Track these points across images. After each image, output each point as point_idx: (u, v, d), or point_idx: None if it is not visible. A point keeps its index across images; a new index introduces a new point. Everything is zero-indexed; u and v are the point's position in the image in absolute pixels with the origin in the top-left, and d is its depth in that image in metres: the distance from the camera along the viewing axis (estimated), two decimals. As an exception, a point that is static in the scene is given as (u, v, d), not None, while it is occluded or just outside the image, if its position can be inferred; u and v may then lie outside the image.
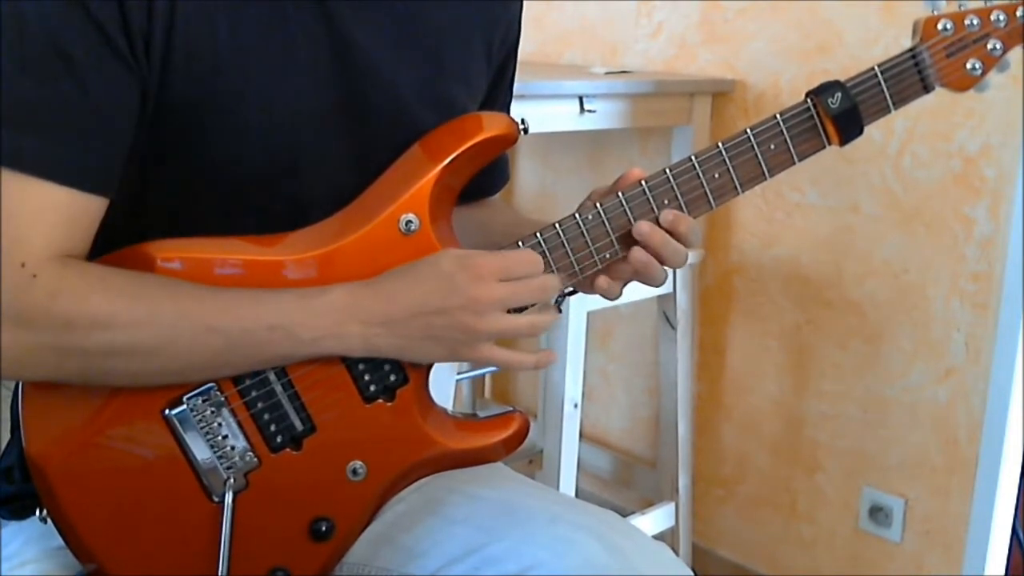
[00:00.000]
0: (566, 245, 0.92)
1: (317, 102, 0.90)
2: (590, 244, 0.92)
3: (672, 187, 0.92)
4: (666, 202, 0.92)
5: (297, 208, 0.91)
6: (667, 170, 0.92)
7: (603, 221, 0.92)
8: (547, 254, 0.92)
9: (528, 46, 2.37)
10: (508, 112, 1.11)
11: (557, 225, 0.92)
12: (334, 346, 0.87)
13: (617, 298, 0.97)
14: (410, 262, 0.88)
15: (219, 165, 0.88)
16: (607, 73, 2.05)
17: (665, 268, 0.95)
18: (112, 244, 0.87)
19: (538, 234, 0.91)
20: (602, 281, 0.94)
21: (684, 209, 0.93)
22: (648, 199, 0.92)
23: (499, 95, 1.08)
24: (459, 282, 0.86)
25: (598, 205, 0.92)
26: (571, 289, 0.96)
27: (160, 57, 0.83)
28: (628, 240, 0.93)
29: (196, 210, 0.90)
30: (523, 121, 0.93)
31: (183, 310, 0.83)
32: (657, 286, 0.96)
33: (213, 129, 0.86)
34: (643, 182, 0.92)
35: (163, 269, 0.86)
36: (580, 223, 0.92)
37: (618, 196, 0.92)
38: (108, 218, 0.91)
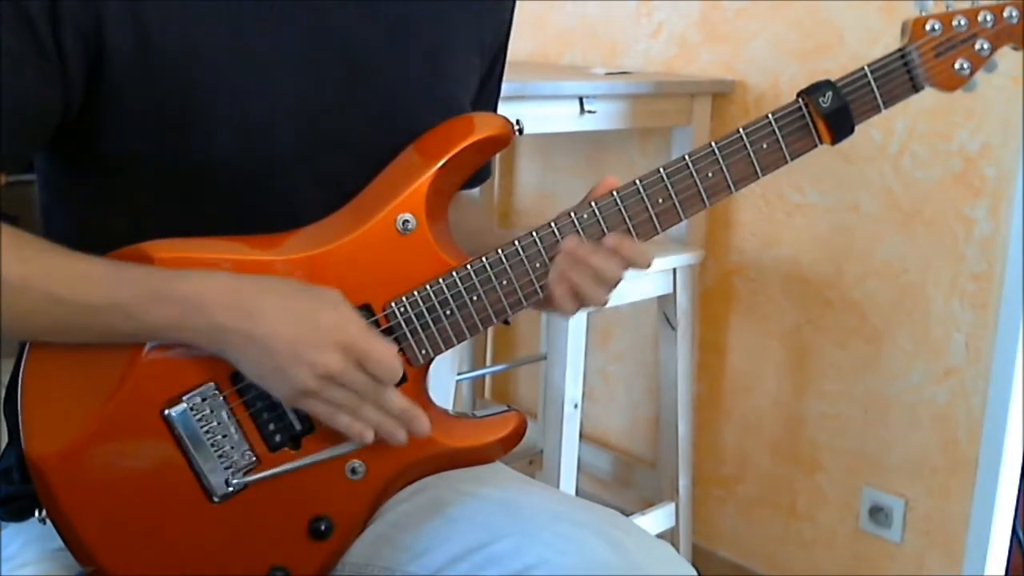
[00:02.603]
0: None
1: (308, 101, 0.90)
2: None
3: (666, 186, 0.92)
4: (660, 200, 0.93)
5: (290, 207, 0.91)
6: (661, 169, 0.92)
7: (598, 220, 0.92)
8: (543, 253, 0.92)
9: (528, 46, 2.37)
10: (495, 108, 1.11)
11: (553, 224, 0.92)
12: (178, 337, 0.85)
13: (604, 304, 0.96)
14: (299, 285, 0.86)
15: (209, 165, 0.88)
16: (607, 74, 2.05)
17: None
18: (110, 246, 0.87)
19: (534, 232, 0.92)
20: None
21: (679, 208, 0.93)
22: (642, 197, 0.92)
23: (488, 91, 1.09)
24: (322, 341, 0.83)
25: (593, 204, 0.92)
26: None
27: (132, 57, 0.83)
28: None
29: (192, 210, 0.90)
30: (518, 122, 0.94)
31: (28, 276, 0.82)
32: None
33: (200, 128, 0.87)
34: (637, 181, 0.92)
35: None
36: (576, 222, 0.92)
37: (613, 195, 0.92)
38: (105, 220, 0.91)
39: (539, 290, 0.92)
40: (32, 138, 0.85)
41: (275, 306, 0.84)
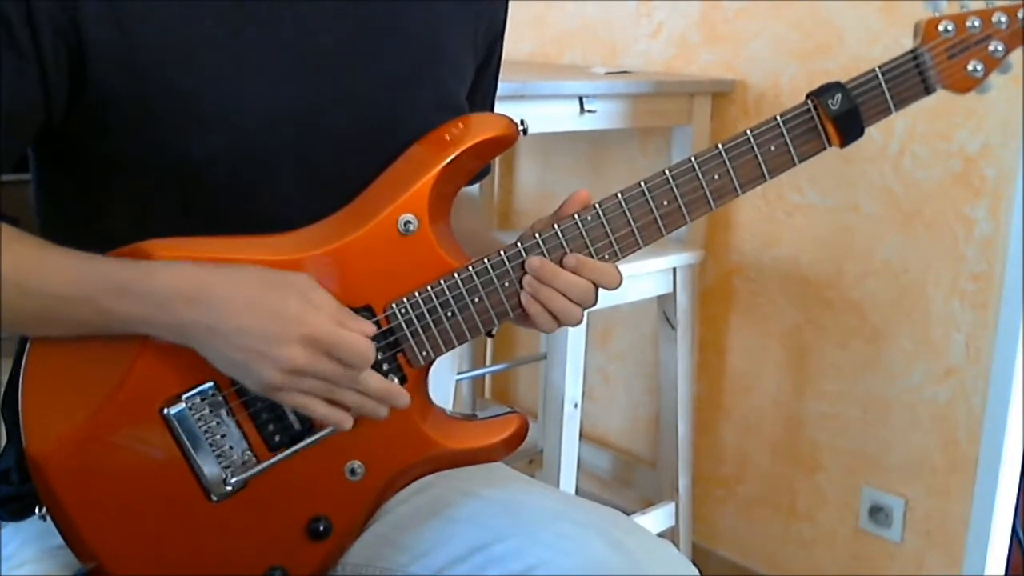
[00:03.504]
0: (565, 246, 0.91)
1: (305, 100, 0.90)
2: (589, 245, 0.92)
3: (672, 188, 0.92)
4: (665, 203, 0.92)
5: (289, 207, 0.91)
6: (667, 171, 0.92)
7: (602, 222, 0.92)
8: (546, 254, 0.91)
9: (528, 46, 2.37)
10: (493, 104, 1.11)
11: (556, 226, 0.92)
12: (147, 331, 0.85)
13: (579, 321, 0.94)
14: (266, 276, 0.85)
15: (206, 165, 0.87)
16: (607, 73, 2.05)
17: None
18: (107, 246, 0.87)
19: (537, 234, 0.91)
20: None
21: (684, 210, 0.93)
22: (647, 200, 0.92)
23: (484, 85, 1.09)
24: (285, 335, 0.82)
25: (597, 206, 0.92)
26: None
27: (116, 58, 0.83)
28: (627, 240, 0.93)
29: (190, 210, 0.89)
30: (522, 122, 0.93)
31: (4, 268, 0.82)
32: (571, 323, 0.93)
33: (197, 129, 0.86)
34: (643, 183, 0.92)
35: None
36: (579, 223, 0.92)
37: (617, 197, 0.92)
38: (102, 220, 0.91)
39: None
40: (14, 138, 0.85)
41: (239, 299, 0.83)
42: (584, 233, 0.92)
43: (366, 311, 0.90)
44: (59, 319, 0.84)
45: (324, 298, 0.85)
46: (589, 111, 1.84)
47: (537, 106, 1.79)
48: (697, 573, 0.91)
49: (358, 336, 0.85)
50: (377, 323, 0.90)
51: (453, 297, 0.90)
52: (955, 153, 1.75)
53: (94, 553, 0.89)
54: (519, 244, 0.91)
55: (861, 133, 0.94)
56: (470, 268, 0.91)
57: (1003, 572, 1.80)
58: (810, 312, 1.99)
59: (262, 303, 0.83)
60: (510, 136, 0.93)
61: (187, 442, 0.87)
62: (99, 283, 0.83)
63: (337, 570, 0.95)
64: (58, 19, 0.81)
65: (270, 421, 0.89)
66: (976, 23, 0.95)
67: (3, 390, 0.93)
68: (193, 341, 0.84)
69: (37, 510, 0.89)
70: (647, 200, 0.92)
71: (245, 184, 0.89)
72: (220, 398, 0.88)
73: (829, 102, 0.93)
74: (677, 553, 0.92)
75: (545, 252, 0.91)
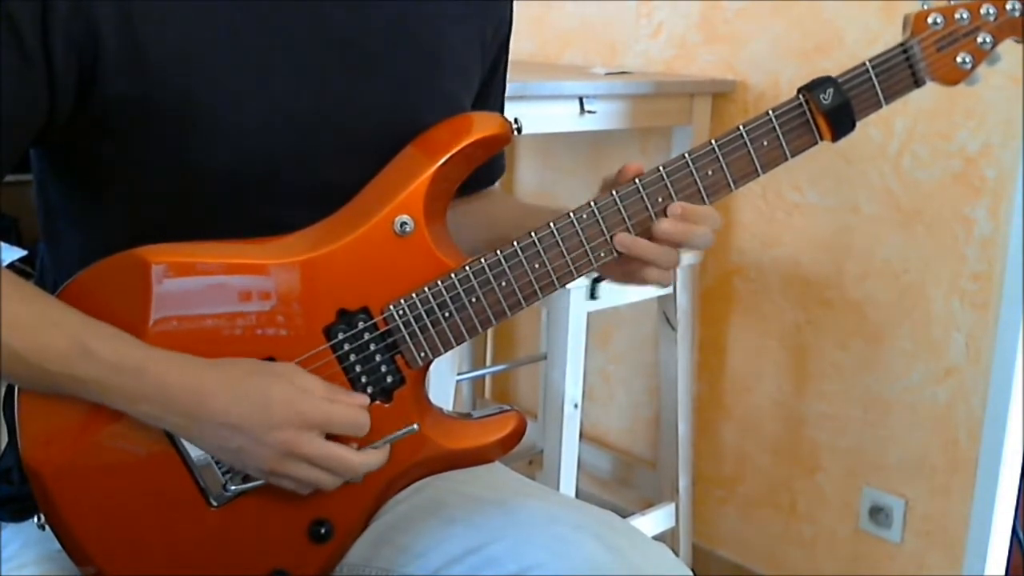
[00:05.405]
0: (561, 244, 0.92)
1: (308, 103, 0.90)
2: (585, 244, 0.92)
3: (666, 184, 0.92)
4: (660, 200, 0.92)
5: (290, 210, 0.91)
6: (661, 168, 0.92)
7: (597, 220, 0.92)
8: (542, 254, 0.92)
9: (528, 46, 2.37)
10: (502, 107, 1.11)
11: (552, 224, 0.92)
12: (131, 414, 0.85)
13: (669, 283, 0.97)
14: (251, 367, 0.86)
15: (208, 168, 0.87)
16: (607, 74, 2.05)
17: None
18: (108, 249, 0.87)
19: (532, 233, 0.92)
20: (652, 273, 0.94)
21: None
22: (642, 197, 0.92)
23: (492, 90, 1.08)
24: (276, 420, 0.84)
25: (592, 204, 0.92)
26: (598, 275, 0.97)
27: (127, 63, 0.83)
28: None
29: (192, 213, 0.89)
30: (516, 120, 0.93)
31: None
32: (665, 284, 0.96)
33: (199, 132, 0.86)
34: (637, 180, 0.92)
35: (156, 273, 0.86)
36: (575, 222, 0.92)
37: (612, 194, 0.92)
38: (104, 222, 0.91)
39: (539, 291, 0.92)
40: (14, 144, 0.84)
41: (228, 391, 0.84)
42: (580, 231, 0.92)
43: (363, 313, 0.90)
44: (52, 387, 0.84)
45: (310, 380, 0.87)
46: (589, 111, 1.84)
47: (537, 106, 1.79)
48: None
49: (348, 407, 0.87)
50: (375, 325, 0.90)
51: (451, 298, 0.90)
52: (955, 153, 1.75)
53: (92, 560, 0.88)
54: (515, 244, 0.91)
55: (853, 127, 0.94)
56: (467, 268, 0.91)
57: (1003, 572, 1.80)
58: (810, 312, 1.99)
59: (249, 394, 0.84)
60: (504, 135, 0.93)
61: (186, 447, 0.87)
62: (90, 371, 0.83)
63: (335, 569, 0.95)
64: (72, 25, 0.80)
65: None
66: (964, 15, 0.95)
67: (4, 390, 0.93)
68: (192, 435, 0.86)
69: (35, 519, 0.88)
70: (642, 197, 0.92)
71: (246, 186, 0.89)
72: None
73: (821, 96, 0.93)
74: (673, 556, 0.92)
75: (541, 251, 0.91)
